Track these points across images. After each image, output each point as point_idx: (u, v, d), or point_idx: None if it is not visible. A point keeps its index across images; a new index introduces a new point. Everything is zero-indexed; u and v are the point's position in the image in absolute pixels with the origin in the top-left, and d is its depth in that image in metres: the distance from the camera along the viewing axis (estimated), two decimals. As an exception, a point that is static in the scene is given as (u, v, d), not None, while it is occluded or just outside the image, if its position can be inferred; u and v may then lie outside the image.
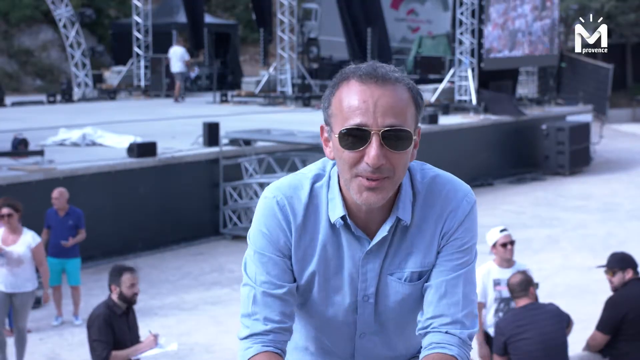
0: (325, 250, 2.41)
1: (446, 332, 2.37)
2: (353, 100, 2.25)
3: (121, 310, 6.68)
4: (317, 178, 2.43)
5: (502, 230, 7.31)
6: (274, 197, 2.41)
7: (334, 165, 2.40)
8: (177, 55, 24.07)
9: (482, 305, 7.23)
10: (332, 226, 2.39)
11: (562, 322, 6.45)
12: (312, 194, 2.41)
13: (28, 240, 8.42)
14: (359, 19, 23.19)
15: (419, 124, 2.35)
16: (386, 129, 2.22)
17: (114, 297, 6.69)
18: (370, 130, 2.22)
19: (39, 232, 10.17)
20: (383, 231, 2.37)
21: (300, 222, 2.40)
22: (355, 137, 2.23)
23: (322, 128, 2.37)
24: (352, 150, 2.24)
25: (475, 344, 7.27)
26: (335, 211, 2.37)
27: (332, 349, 2.57)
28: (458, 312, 2.38)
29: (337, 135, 2.26)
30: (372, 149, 2.21)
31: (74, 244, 10.15)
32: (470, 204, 2.42)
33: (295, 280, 2.43)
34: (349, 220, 2.37)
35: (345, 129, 2.24)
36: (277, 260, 2.41)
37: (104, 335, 6.53)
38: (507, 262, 7.23)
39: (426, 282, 2.42)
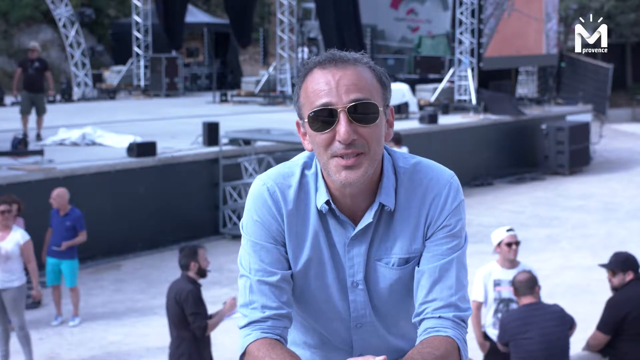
0: (316, 237, 2.44)
1: (439, 317, 2.38)
2: (316, 85, 2.30)
3: (198, 285, 7.19)
4: (306, 166, 2.46)
5: (508, 230, 7.31)
6: (263, 184, 2.44)
7: None
8: None
9: (480, 305, 7.23)
10: (321, 213, 2.42)
11: (565, 324, 6.44)
12: (302, 181, 2.44)
13: (17, 237, 8.48)
14: (346, 17, 23.12)
15: (389, 104, 2.39)
16: (352, 104, 2.27)
17: (192, 274, 7.20)
18: (336, 109, 2.27)
19: (40, 232, 10.19)
20: (368, 217, 2.40)
21: (291, 208, 2.42)
22: (323, 118, 2.28)
23: (297, 124, 2.42)
24: (323, 132, 2.28)
25: (475, 345, 7.27)
26: (320, 198, 2.41)
27: (331, 341, 2.58)
28: (451, 295, 2.39)
29: (306, 120, 2.31)
30: (341, 126, 2.26)
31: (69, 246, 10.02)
32: (453, 189, 2.43)
33: (289, 268, 2.45)
34: (333, 205, 2.40)
35: (313, 111, 2.29)
36: (270, 248, 2.43)
37: (201, 308, 7.08)
38: (510, 263, 7.22)
39: (416, 267, 2.42)
